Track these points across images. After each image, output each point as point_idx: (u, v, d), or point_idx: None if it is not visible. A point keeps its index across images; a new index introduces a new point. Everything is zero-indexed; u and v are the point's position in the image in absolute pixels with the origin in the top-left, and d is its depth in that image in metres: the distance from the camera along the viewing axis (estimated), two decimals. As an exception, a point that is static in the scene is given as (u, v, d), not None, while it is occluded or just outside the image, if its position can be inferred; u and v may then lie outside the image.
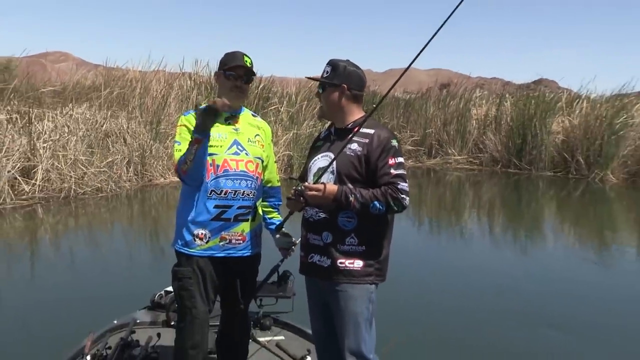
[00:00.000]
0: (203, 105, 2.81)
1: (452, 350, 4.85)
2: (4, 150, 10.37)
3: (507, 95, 19.82)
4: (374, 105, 3.10)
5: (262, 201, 3.28)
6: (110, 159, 11.95)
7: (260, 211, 3.25)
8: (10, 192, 10.07)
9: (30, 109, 11.77)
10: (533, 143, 17.41)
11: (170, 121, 13.74)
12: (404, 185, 2.70)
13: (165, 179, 12.89)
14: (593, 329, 5.51)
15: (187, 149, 2.92)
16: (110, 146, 12.28)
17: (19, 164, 10.46)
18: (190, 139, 3.01)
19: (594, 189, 15.06)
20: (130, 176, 12.32)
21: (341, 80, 2.84)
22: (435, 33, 2.64)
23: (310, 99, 16.65)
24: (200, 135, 2.86)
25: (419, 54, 2.67)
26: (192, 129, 3.01)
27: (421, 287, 6.48)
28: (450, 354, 4.79)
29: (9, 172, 10.17)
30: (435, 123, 19.53)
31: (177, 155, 3.02)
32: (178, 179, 3.15)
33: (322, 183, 2.72)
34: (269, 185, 3.31)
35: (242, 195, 3.06)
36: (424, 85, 23.77)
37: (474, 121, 19.23)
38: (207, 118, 2.83)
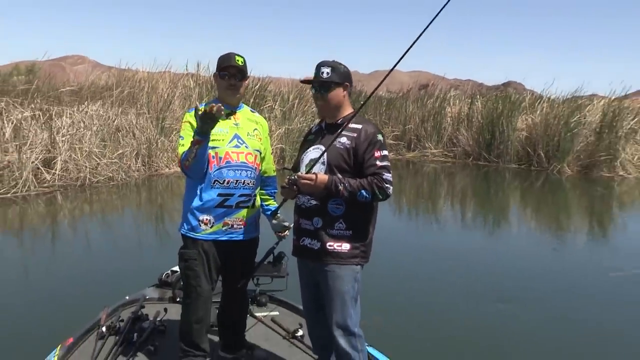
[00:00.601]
0: (201, 111, 2.78)
1: (429, 325, 4.89)
2: (28, 144, 10.40)
3: (478, 96, 19.83)
4: (362, 102, 3.08)
5: (260, 189, 3.27)
6: (120, 151, 11.96)
7: (258, 199, 3.24)
8: (34, 180, 10.10)
9: (51, 107, 11.74)
10: (500, 138, 17.44)
11: (175, 117, 13.67)
12: (388, 176, 2.70)
13: (169, 169, 12.86)
14: (548, 303, 5.58)
15: (189, 148, 2.89)
16: (121, 140, 12.26)
17: (41, 156, 10.48)
18: (191, 133, 2.98)
19: (552, 180, 15.14)
20: (138, 166, 12.32)
21: (343, 79, 2.83)
22: (413, 43, 2.63)
23: (302, 97, 16.63)
24: (201, 137, 2.84)
25: (397, 62, 2.69)
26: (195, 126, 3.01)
27: (400, 268, 6.49)
28: (427, 328, 4.82)
29: (32, 162, 10.18)
30: (414, 120, 19.53)
31: (181, 149, 3.01)
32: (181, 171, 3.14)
33: (314, 173, 2.71)
34: (266, 174, 3.30)
35: (243, 184, 3.05)
36: (406, 85, 23.58)
37: (449, 118, 19.21)
38: (205, 123, 2.80)
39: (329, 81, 2.81)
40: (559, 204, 12.70)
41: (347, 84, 2.84)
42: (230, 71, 3.05)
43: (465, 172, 16.45)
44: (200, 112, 2.78)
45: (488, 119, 17.87)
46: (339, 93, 2.84)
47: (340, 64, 2.86)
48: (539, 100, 18.69)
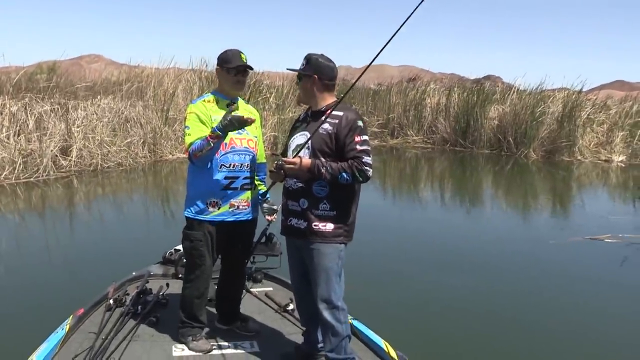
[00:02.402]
0: (235, 115, 2.79)
1: (406, 296, 4.88)
2: (48, 134, 10.41)
3: (455, 88, 19.70)
4: (344, 93, 3.01)
5: None
6: (129, 140, 11.95)
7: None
8: (53, 166, 10.14)
9: (68, 101, 11.73)
10: (475, 126, 17.37)
11: (178, 109, 13.56)
12: (367, 159, 2.61)
13: (173, 155, 12.80)
14: (501, 268, 5.89)
15: (204, 140, 2.83)
16: (129, 129, 12.22)
17: (59, 144, 10.49)
18: (198, 123, 2.92)
19: (520, 163, 15.18)
20: (145, 153, 12.29)
21: (313, 71, 2.72)
22: (391, 38, 2.56)
23: (295, 90, 16.49)
24: (223, 134, 2.81)
25: (373, 59, 2.62)
26: (201, 115, 2.93)
27: (384, 244, 6.45)
28: (404, 299, 4.81)
29: (52, 150, 10.21)
30: (397, 109, 19.33)
31: (188, 139, 2.92)
32: (184, 156, 3.07)
33: (299, 157, 2.63)
34: (258, 161, 3.19)
35: (247, 167, 2.99)
36: (395, 79, 23.34)
37: (429, 108, 19.00)
38: (234, 127, 2.81)
39: (300, 72, 2.76)
40: (526, 185, 12.81)
41: (315, 76, 2.72)
42: (239, 69, 3.00)
43: (444, 157, 16.43)
44: (235, 115, 2.79)
45: (464, 108, 17.78)
46: (306, 83, 2.76)
47: (318, 56, 2.76)
48: (508, 92, 18.65)
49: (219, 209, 2.94)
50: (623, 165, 15.43)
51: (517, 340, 4.09)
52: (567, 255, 6.41)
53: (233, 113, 2.80)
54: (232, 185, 2.95)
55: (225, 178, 2.93)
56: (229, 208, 2.96)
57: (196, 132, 2.88)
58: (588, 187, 12.71)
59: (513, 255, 6.34)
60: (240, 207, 2.99)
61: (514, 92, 18.39)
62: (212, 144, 2.80)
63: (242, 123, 2.80)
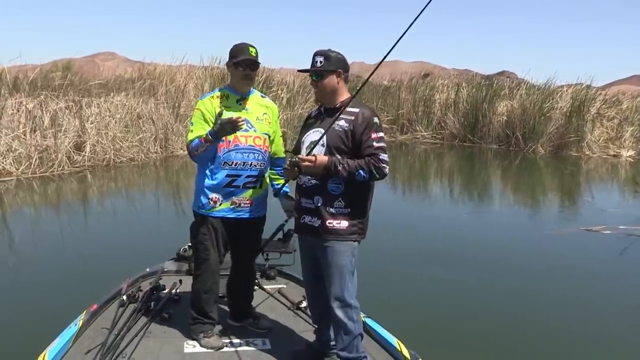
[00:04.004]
0: (224, 120, 2.72)
1: (422, 295, 4.81)
2: (62, 130, 10.55)
3: (464, 84, 19.50)
4: (357, 88, 2.94)
5: (270, 169, 3.14)
6: (141, 136, 12.04)
7: (267, 179, 3.10)
8: (67, 161, 10.30)
9: (82, 98, 11.87)
10: (483, 122, 17.20)
11: (189, 106, 13.59)
12: (384, 156, 2.54)
13: (184, 151, 12.76)
14: (506, 262, 5.87)
15: (199, 140, 2.81)
16: (141, 125, 12.30)
17: (73, 140, 10.62)
18: (201, 121, 2.89)
19: (528, 159, 15.03)
20: (156, 149, 12.36)
21: (336, 65, 2.65)
22: (404, 33, 2.50)
23: (305, 86, 16.42)
24: (214, 139, 2.76)
25: (388, 52, 2.55)
26: (206, 113, 2.89)
27: (395, 241, 6.35)
28: (421, 299, 4.73)
29: (66, 146, 10.35)
30: (406, 105, 19.19)
31: (190, 136, 2.90)
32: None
33: (314, 155, 2.56)
34: (276, 156, 3.15)
35: (250, 166, 2.92)
36: (408, 75, 23.09)
37: (437, 104, 18.86)
38: (224, 130, 2.76)
39: (321, 69, 2.65)
40: (533, 179, 12.71)
41: (341, 70, 2.66)
42: (245, 62, 2.91)
43: (452, 153, 16.31)
44: (224, 119, 2.72)
45: (472, 104, 17.62)
46: (332, 80, 2.66)
47: (334, 51, 2.68)
48: (517, 87, 18.44)
49: (220, 204, 2.91)
50: (632, 160, 15.23)
51: (526, 337, 4.02)
52: (561, 246, 6.43)
53: (222, 117, 2.74)
54: (234, 184, 2.90)
55: (227, 176, 2.89)
56: (230, 205, 2.92)
57: (197, 130, 2.87)
58: (593, 181, 12.57)
59: (522, 251, 6.25)
60: (242, 205, 2.94)
61: (522, 87, 18.20)
62: (205, 147, 2.79)
63: (234, 126, 2.74)
